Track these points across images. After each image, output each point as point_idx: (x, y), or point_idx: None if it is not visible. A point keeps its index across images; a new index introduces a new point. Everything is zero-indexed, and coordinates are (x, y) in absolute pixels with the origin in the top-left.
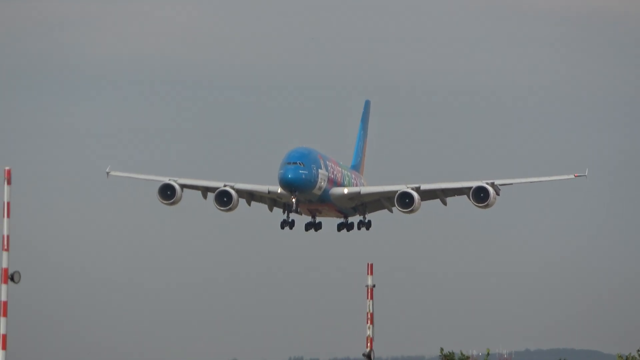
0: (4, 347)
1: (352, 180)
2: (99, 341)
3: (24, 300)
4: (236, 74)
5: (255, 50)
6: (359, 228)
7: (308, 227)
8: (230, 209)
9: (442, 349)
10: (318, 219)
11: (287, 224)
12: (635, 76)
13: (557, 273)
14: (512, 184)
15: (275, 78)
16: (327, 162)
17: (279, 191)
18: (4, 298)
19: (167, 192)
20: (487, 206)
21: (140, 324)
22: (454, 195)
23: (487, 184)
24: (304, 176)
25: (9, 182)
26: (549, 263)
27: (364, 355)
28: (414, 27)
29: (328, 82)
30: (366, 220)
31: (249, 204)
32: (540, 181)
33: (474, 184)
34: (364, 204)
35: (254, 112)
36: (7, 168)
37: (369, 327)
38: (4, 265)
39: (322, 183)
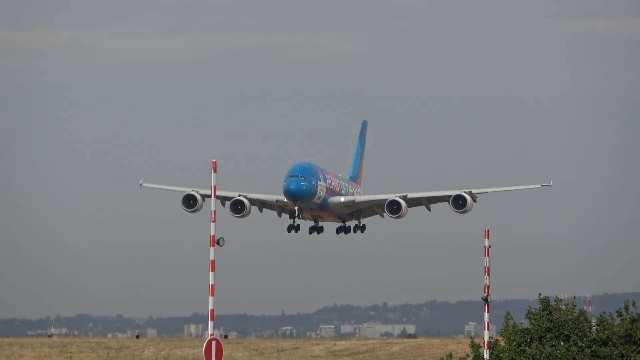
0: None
1: (349, 190)
2: None
3: None
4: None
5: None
6: (354, 231)
7: (311, 230)
8: (243, 216)
9: (540, 294)
10: (320, 224)
11: (293, 228)
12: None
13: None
14: (486, 192)
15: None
16: (326, 175)
17: (285, 200)
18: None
19: (190, 202)
20: (465, 212)
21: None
22: (437, 202)
23: (465, 192)
24: (304, 187)
25: (215, 171)
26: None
27: (482, 299)
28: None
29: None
30: (361, 225)
31: (261, 211)
32: (510, 190)
33: (454, 192)
34: (359, 211)
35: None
36: (213, 160)
37: (486, 278)
38: (212, 233)
39: (321, 193)
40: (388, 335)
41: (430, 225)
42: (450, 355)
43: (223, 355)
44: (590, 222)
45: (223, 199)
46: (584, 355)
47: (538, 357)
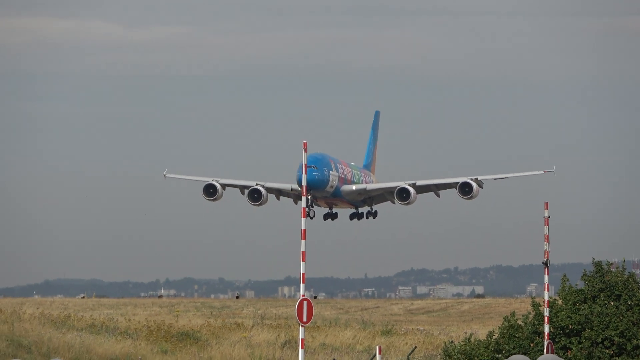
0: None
1: (362, 178)
2: None
3: None
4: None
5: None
6: (367, 217)
7: (326, 217)
8: (260, 204)
9: (593, 258)
10: (334, 210)
11: (308, 215)
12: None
13: None
14: (492, 179)
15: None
16: (338, 165)
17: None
18: (303, 227)
19: (210, 190)
20: (471, 198)
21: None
22: (445, 189)
23: (471, 179)
24: (317, 177)
25: (305, 151)
26: None
27: (542, 263)
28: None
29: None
30: (373, 211)
31: (278, 199)
32: (515, 176)
33: (460, 179)
34: (371, 198)
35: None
36: (304, 141)
37: (545, 244)
38: (303, 206)
39: (333, 182)
40: (459, 295)
41: (494, 199)
42: (513, 313)
43: (313, 313)
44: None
45: (242, 188)
46: (632, 313)
47: (590, 315)
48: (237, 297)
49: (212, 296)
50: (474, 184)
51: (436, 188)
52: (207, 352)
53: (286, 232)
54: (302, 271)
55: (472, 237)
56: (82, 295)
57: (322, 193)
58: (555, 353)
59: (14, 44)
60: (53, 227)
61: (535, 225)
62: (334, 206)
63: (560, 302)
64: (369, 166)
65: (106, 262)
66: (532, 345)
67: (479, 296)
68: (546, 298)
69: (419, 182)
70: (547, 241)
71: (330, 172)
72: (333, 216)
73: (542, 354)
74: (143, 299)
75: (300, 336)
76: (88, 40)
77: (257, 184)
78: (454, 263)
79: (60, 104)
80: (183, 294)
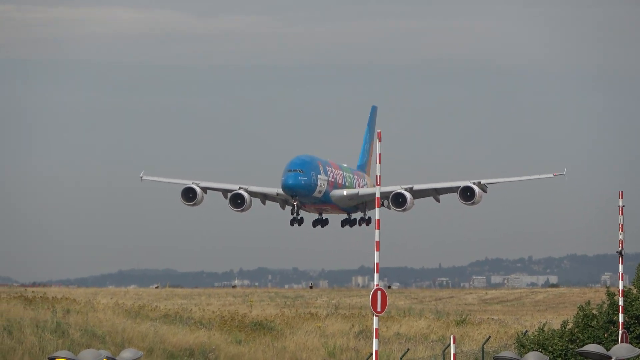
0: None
1: (355, 181)
2: None
3: None
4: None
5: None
6: (359, 224)
7: (315, 223)
8: (243, 210)
9: None
10: (325, 216)
11: (296, 221)
12: None
13: None
14: (497, 182)
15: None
16: (327, 167)
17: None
18: (377, 217)
19: (189, 195)
20: (473, 204)
21: None
22: (446, 193)
23: (474, 183)
24: (303, 182)
25: (380, 140)
26: None
27: (617, 252)
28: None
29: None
30: (367, 217)
31: (264, 204)
32: (522, 180)
33: (462, 183)
34: (364, 203)
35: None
36: (379, 130)
37: (620, 233)
38: (377, 195)
39: (322, 187)
40: (533, 285)
41: (567, 188)
42: (588, 302)
43: (387, 303)
44: None
45: (224, 192)
46: None
47: None
48: (310, 287)
49: (286, 286)
50: (477, 189)
51: (436, 193)
52: (280, 341)
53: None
54: (376, 261)
55: (546, 226)
56: (155, 285)
57: (309, 199)
58: (630, 342)
59: (85, 34)
60: (128, 216)
61: (610, 215)
62: (324, 212)
63: (635, 291)
64: (363, 167)
65: (180, 252)
66: (606, 334)
67: (553, 286)
68: (621, 287)
69: (416, 187)
70: (622, 230)
71: (319, 175)
72: (323, 222)
73: (617, 343)
74: (217, 289)
75: (374, 326)
76: (157, 30)
77: (240, 188)
78: (528, 252)
79: (129, 94)
80: (257, 284)
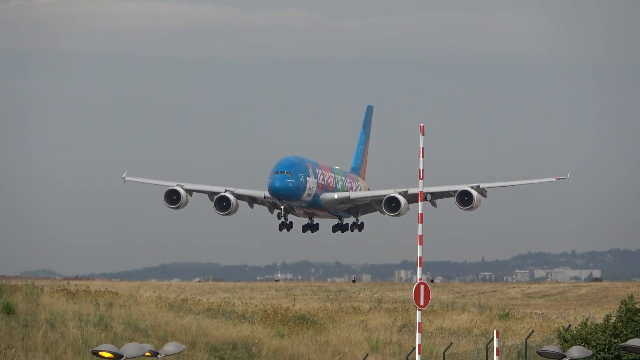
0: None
1: (347, 184)
2: None
3: None
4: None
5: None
6: (352, 229)
7: (305, 228)
8: (229, 214)
9: None
10: (315, 221)
11: (285, 226)
12: None
13: None
14: (496, 187)
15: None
16: (317, 169)
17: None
18: (420, 211)
19: (173, 197)
20: (471, 209)
21: None
22: (442, 198)
23: (472, 187)
24: (290, 185)
25: (422, 134)
26: None
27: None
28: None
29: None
30: (359, 222)
31: (252, 207)
32: (524, 184)
33: (459, 187)
34: (357, 207)
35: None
36: (421, 124)
37: None
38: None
39: (311, 190)
40: (576, 279)
41: (611, 182)
42: (631, 297)
43: (430, 297)
44: None
45: (210, 194)
46: None
47: None
48: (353, 281)
49: (329, 280)
50: (475, 193)
51: (432, 197)
52: (323, 335)
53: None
54: (419, 255)
55: (589, 220)
56: (198, 279)
57: (298, 202)
58: None
59: (129, 27)
60: (169, 210)
61: None
62: (314, 216)
63: None
64: (357, 170)
65: (223, 245)
66: None
67: (596, 280)
68: None
69: (411, 190)
70: None
71: (307, 178)
72: (313, 228)
73: None
74: (260, 282)
75: (417, 320)
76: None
77: (226, 190)
78: (571, 247)
79: (172, 88)
80: (299, 278)
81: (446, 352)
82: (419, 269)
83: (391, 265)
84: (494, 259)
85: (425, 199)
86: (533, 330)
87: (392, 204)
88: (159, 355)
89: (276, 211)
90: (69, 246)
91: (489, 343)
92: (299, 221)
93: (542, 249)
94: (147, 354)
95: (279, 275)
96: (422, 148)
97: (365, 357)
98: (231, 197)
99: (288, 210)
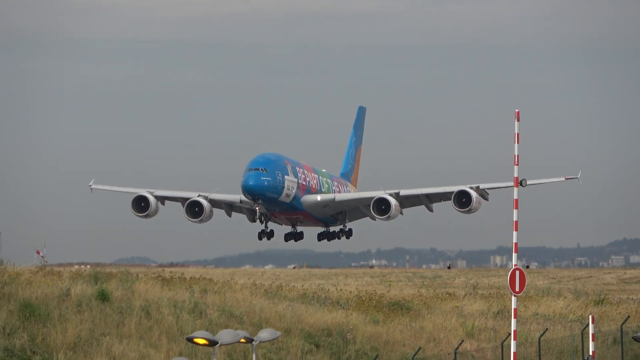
0: None
1: (334, 188)
2: None
3: None
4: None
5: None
6: (339, 237)
7: (288, 237)
8: (201, 221)
9: None
10: (299, 229)
11: (265, 234)
12: None
13: None
14: (498, 187)
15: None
16: (297, 168)
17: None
18: (515, 197)
19: (141, 204)
20: (469, 211)
21: None
22: (440, 201)
23: (471, 188)
24: (266, 183)
25: (518, 120)
26: None
27: None
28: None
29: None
30: (347, 229)
31: (229, 215)
32: (530, 184)
33: (456, 188)
34: (344, 212)
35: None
36: (517, 110)
37: None
38: (515, 175)
39: (290, 190)
40: None
41: None
42: None
43: (526, 283)
44: None
45: (183, 200)
46: None
47: None
48: (448, 267)
49: (424, 266)
50: (474, 194)
51: (427, 199)
52: (418, 322)
53: (495, 201)
54: (514, 240)
55: None
56: (292, 266)
57: (275, 204)
58: None
59: (168, 18)
60: None
61: None
62: (298, 223)
63: None
64: (348, 175)
65: None
66: None
67: None
68: None
69: (403, 192)
70: None
71: (286, 176)
72: (297, 236)
73: None
74: (354, 269)
75: (513, 306)
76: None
77: (199, 195)
78: None
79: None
80: (394, 264)
81: (541, 338)
82: (514, 255)
83: (486, 251)
84: (590, 244)
85: (521, 184)
86: (629, 316)
87: (381, 207)
88: (253, 342)
89: (258, 221)
90: (163, 233)
91: (584, 329)
92: (281, 230)
93: (638, 235)
94: (242, 340)
95: (373, 261)
96: (517, 134)
97: (460, 343)
98: (204, 202)
99: (267, 216)
